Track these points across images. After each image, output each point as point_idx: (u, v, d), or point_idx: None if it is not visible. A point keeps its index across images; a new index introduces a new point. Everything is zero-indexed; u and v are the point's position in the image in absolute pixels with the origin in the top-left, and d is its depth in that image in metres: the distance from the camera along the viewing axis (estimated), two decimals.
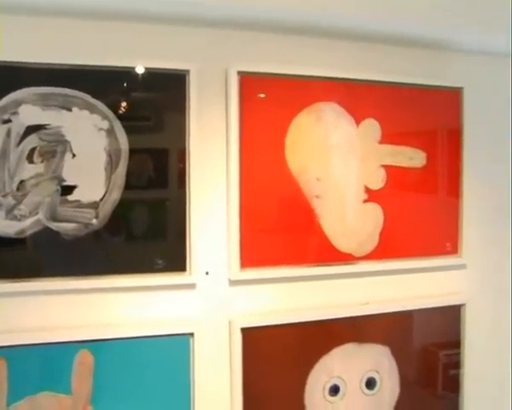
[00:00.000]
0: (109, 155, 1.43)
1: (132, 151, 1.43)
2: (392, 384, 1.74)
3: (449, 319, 1.83)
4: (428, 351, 1.82)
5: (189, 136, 1.47)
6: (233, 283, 1.53)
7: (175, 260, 1.48)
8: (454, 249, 1.83)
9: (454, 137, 1.85)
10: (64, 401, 1.40)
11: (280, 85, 1.57)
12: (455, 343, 1.86)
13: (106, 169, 1.43)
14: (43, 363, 1.39)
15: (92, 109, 1.42)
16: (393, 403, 1.75)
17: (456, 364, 1.86)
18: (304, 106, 1.61)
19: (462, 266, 1.85)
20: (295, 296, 1.61)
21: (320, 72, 1.63)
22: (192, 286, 1.49)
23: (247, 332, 1.52)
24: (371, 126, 1.70)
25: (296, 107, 1.60)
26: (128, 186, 1.44)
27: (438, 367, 1.84)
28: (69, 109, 1.40)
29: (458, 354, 1.86)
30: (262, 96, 1.57)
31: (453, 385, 1.86)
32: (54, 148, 1.40)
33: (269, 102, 1.57)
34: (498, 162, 1.95)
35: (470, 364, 1.88)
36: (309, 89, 1.62)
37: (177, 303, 1.48)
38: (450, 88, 1.84)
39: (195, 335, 1.48)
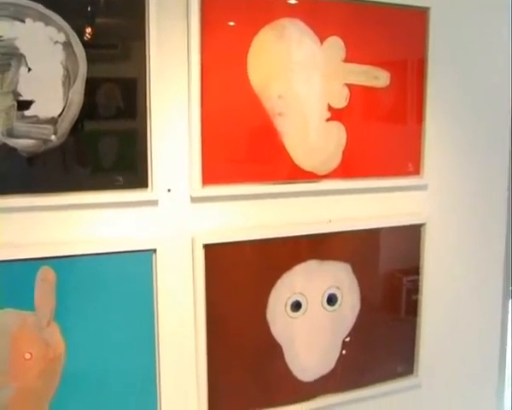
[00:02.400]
0: (66, 70, 1.44)
1: (90, 65, 1.44)
2: (352, 301, 1.85)
3: (409, 238, 1.93)
4: (388, 269, 1.92)
5: (149, 47, 1.48)
6: (195, 200, 1.58)
7: (136, 177, 1.51)
8: (416, 170, 1.91)
9: (419, 59, 1.90)
10: (28, 318, 1.45)
11: (242, 1, 1.59)
12: (415, 263, 1.96)
13: (63, 84, 1.44)
14: (5, 280, 1.43)
15: (47, 21, 1.41)
16: (354, 319, 1.86)
17: (415, 284, 1.97)
18: (266, 22, 1.62)
19: (424, 187, 1.94)
20: (258, 214, 1.67)
21: None
22: (154, 203, 1.54)
23: (209, 249, 1.59)
24: (335, 44, 1.74)
25: (258, 23, 1.61)
26: (87, 102, 1.46)
27: (398, 286, 1.95)
28: (22, 21, 1.39)
29: (418, 274, 1.96)
30: (223, 12, 1.58)
31: (412, 303, 1.98)
32: (7, 61, 1.40)
33: (230, 18, 1.58)
34: (463, 84, 2.01)
35: (429, 285, 1.99)
36: (272, 5, 1.63)
37: (139, 220, 1.53)
38: (417, 7, 1.87)
39: (158, 251, 1.53)
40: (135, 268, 1.52)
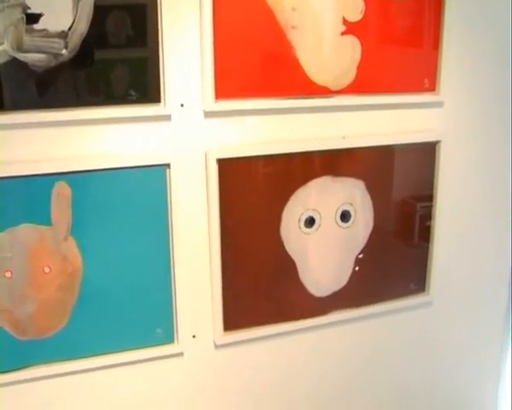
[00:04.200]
0: None
1: None
2: (366, 218, 1.86)
3: (424, 156, 1.93)
4: (402, 187, 1.92)
5: None
6: (208, 114, 1.58)
7: (149, 91, 1.51)
8: (432, 86, 1.88)
9: None
10: (45, 232, 1.49)
11: None
12: (429, 181, 1.96)
13: None
14: (22, 196, 1.46)
15: None
16: (367, 237, 1.88)
17: (428, 203, 1.98)
18: None
19: (439, 104, 1.91)
20: (271, 129, 1.67)
21: None
22: (167, 118, 1.54)
23: (222, 164, 1.60)
24: None
25: None
26: (97, 14, 1.44)
27: (412, 205, 1.96)
28: None
29: (432, 193, 1.97)
30: None
31: (426, 221, 1.99)
32: None
33: None
34: (484, 3, 1.96)
35: (443, 205, 2.00)
36: None
37: (152, 135, 1.53)
38: None
39: (172, 166, 1.55)
40: (149, 183, 1.54)
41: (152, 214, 1.57)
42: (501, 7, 2.00)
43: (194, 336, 1.72)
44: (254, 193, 1.67)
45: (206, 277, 1.67)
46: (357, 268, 1.88)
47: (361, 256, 1.88)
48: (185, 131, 1.57)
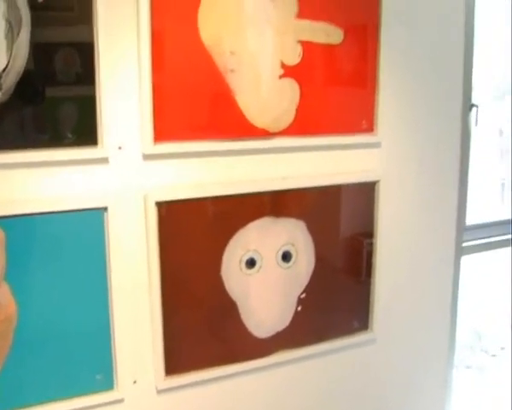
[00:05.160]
0: (9, 22, 1.41)
1: (34, 17, 1.41)
2: (307, 258, 1.88)
3: (363, 196, 1.97)
4: (343, 226, 1.96)
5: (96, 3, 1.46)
6: (147, 157, 1.58)
7: (86, 134, 1.50)
8: (370, 127, 1.94)
9: (373, 16, 1.91)
10: None
11: None
12: (369, 220, 2.00)
13: (6, 37, 1.41)
14: None
15: None
16: (309, 276, 1.90)
17: (369, 241, 2.02)
18: None
19: (377, 144, 1.97)
20: (211, 171, 1.68)
21: None
22: (104, 161, 1.53)
23: (162, 206, 1.60)
24: (288, 0, 1.74)
25: None
26: (33, 56, 1.43)
27: (353, 243, 2.00)
28: None
29: (372, 231, 2.01)
30: None
31: (367, 259, 2.03)
32: None
33: None
34: (417, 42, 2.04)
35: (383, 242, 2.04)
36: None
37: (89, 178, 1.52)
38: None
39: (109, 209, 1.53)
40: (86, 226, 1.52)
41: (89, 258, 1.55)
42: (435, 50, 2.09)
43: (135, 382, 1.68)
44: (194, 235, 1.67)
45: (147, 320, 1.66)
46: (299, 308, 1.89)
47: (303, 296, 1.89)
48: (123, 174, 1.57)
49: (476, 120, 2.31)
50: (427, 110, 2.10)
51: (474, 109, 2.27)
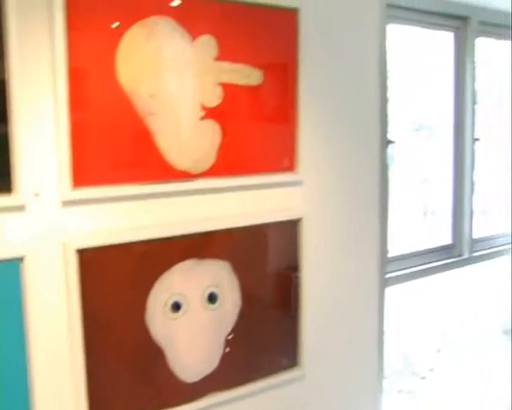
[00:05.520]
0: None
1: None
2: (233, 298, 1.87)
3: (287, 234, 1.99)
4: (268, 265, 1.97)
5: (10, 46, 1.42)
6: (65, 203, 1.53)
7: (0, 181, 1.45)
8: (291, 166, 1.97)
9: (291, 57, 1.96)
10: None
11: None
12: (294, 258, 2.02)
13: None
14: None
15: None
16: (236, 316, 1.89)
17: (295, 278, 2.03)
18: (135, 20, 1.61)
19: (299, 183, 2.01)
20: (132, 215, 1.65)
21: None
22: (20, 208, 1.47)
23: (82, 254, 1.55)
24: (207, 43, 1.76)
25: (127, 21, 1.59)
26: None
27: (278, 281, 2.01)
28: None
29: (297, 268, 2.03)
30: (90, 9, 1.55)
31: (293, 296, 2.04)
32: None
33: (97, 15, 1.55)
34: (335, 82, 2.11)
35: (308, 278, 2.07)
36: (141, 3, 1.62)
37: (4, 227, 1.46)
38: (287, 8, 1.94)
39: (26, 259, 1.47)
40: (1, 279, 1.45)
41: (5, 311, 1.47)
42: (352, 88, 2.17)
43: None
44: (117, 281, 1.64)
45: (68, 372, 1.59)
46: (227, 350, 1.88)
47: (231, 337, 1.88)
48: (41, 222, 1.51)
49: (393, 155, 2.40)
50: (346, 147, 2.17)
51: (390, 145, 2.36)
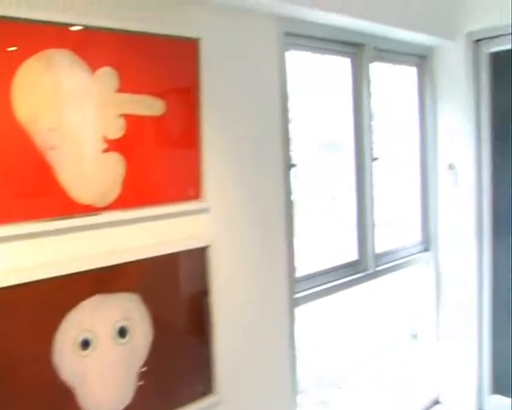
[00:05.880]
0: None
1: None
2: (144, 330, 1.86)
3: (196, 262, 2.01)
4: (179, 293, 1.97)
5: None
6: None
7: None
8: (196, 194, 1.99)
9: (192, 86, 1.99)
10: None
11: (4, 29, 1.53)
12: (204, 285, 2.03)
13: None
14: None
15: None
16: (148, 348, 1.87)
17: (206, 305, 2.05)
18: (31, 53, 1.58)
19: (205, 210, 2.02)
20: (35, 253, 1.60)
21: (50, 16, 1.61)
22: None
23: None
24: (108, 74, 1.75)
25: (22, 54, 1.56)
26: None
27: (190, 309, 2.01)
28: None
29: (208, 295, 2.04)
30: None
31: (205, 323, 2.05)
32: None
33: None
34: (237, 109, 2.16)
35: (219, 304, 2.08)
36: (38, 34, 1.59)
37: None
38: (188, 38, 1.96)
39: None
40: None
41: None
42: (255, 116, 2.23)
43: None
44: (22, 322, 1.58)
45: None
46: (141, 382, 1.85)
47: (144, 370, 1.86)
48: None
49: (299, 175, 2.47)
50: (251, 172, 2.21)
51: (293, 168, 2.43)
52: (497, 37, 3.04)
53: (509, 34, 2.97)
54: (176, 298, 1.97)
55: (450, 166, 3.25)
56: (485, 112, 3.14)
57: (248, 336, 2.24)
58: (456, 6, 3.09)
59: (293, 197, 2.43)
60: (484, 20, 3.02)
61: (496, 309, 3.21)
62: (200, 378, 2.07)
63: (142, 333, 1.85)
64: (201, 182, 2.00)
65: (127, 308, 1.80)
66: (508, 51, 3.03)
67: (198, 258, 2.00)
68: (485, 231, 3.20)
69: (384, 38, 2.90)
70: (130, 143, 1.80)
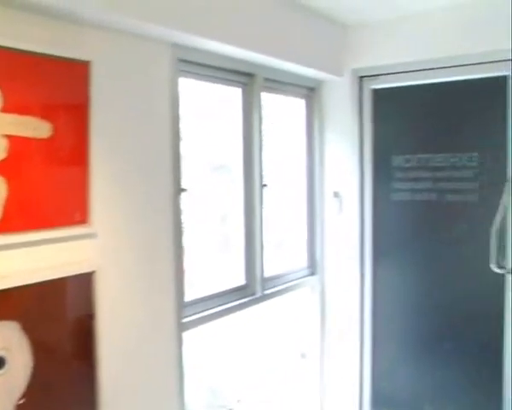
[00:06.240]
0: None
1: None
2: (24, 360, 1.79)
3: (81, 287, 1.97)
4: (63, 319, 1.92)
5: None
6: None
7: None
8: (83, 219, 1.96)
9: (82, 109, 1.97)
10: None
11: None
12: (89, 310, 2.00)
13: None
14: None
15: None
16: (27, 379, 1.80)
17: (91, 331, 2.01)
18: None
19: (92, 235, 2.00)
20: None
21: None
22: None
23: None
24: None
25: None
26: None
27: (74, 335, 1.97)
28: None
29: (93, 320, 2.01)
30: None
31: (89, 348, 2.01)
32: None
33: None
34: (128, 133, 2.16)
35: (105, 330, 2.05)
36: None
37: None
38: (79, 60, 1.94)
39: None
40: None
41: None
42: (145, 141, 2.23)
43: None
44: None
45: None
46: None
47: (22, 402, 1.79)
48: None
49: (187, 200, 2.49)
50: (140, 196, 2.21)
51: (183, 193, 2.45)
52: (377, 75, 3.26)
53: (387, 74, 3.19)
54: (60, 325, 1.92)
55: (335, 194, 3.41)
56: (367, 143, 3.34)
57: (135, 360, 2.22)
58: (344, 44, 3.28)
59: (183, 221, 2.45)
60: (367, 59, 3.22)
61: (375, 329, 3.40)
62: (85, 405, 2.02)
63: (22, 363, 1.79)
64: (89, 206, 1.97)
65: (6, 338, 1.73)
66: (387, 89, 3.25)
67: (84, 283, 1.97)
68: (366, 255, 3.38)
69: (274, 70, 3.00)
70: (14, 165, 1.75)
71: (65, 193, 1.91)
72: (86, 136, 1.97)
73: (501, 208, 2.85)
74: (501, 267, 2.89)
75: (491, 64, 2.89)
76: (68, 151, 1.93)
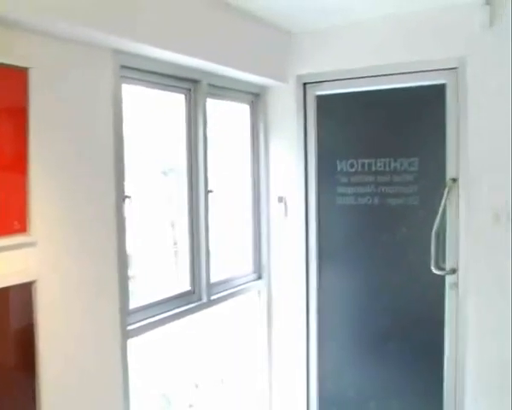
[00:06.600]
0: None
1: None
2: None
3: (21, 297, 1.93)
4: (1, 331, 1.88)
5: None
6: None
7: None
8: (22, 228, 1.93)
9: (20, 116, 1.94)
10: None
11: None
12: (30, 321, 1.96)
13: None
14: None
15: None
16: None
17: (31, 342, 1.97)
18: None
19: (32, 244, 1.96)
20: None
21: None
22: None
23: None
24: None
25: None
26: None
27: (13, 347, 1.93)
28: None
29: (34, 331, 1.97)
30: None
31: (30, 360, 1.98)
32: None
33: None
34: (68, 138, 2.14)
35: (46, 340, 2.02)
36: None
37: None
38: (16, 67, 1.92)
39: None
40: None
41: None
42: (87, 149, 2.22)
43: None
44: None
45: None
46: None
47: None
48: None
49: (131, 206, 2.47)
50: (83, 204, 2.19)
51: (127, 199, 2.44)
52: (321, 82, 3.32)
53: (330, 81, 3.26)
54: None
55: (280, 199, 3.46)
56: (312, 148, 3.39)
57: (77, 369, 2.20)
58: (288, 51, 3.33)
59: (127, 228, 2.43)
60: (311, 66, 3.28)
61: (321, 331, 3.46)
62: None
63: None
64: (28, 214, 1.94)
65: None
66: (331, 95, 3.32)
67: (24, 293, 1.94)
68: (311, 258, 3.44)
69: (219, 76, 3.02)
70: None
71: (3, 201, 1.87)
72: (24, 143, 1.94)
73: (440, 212, 2.94)
74: (441, 269, 2.98)
75: (430, 72, 3.00)
76: (5, 159, 1.89)
